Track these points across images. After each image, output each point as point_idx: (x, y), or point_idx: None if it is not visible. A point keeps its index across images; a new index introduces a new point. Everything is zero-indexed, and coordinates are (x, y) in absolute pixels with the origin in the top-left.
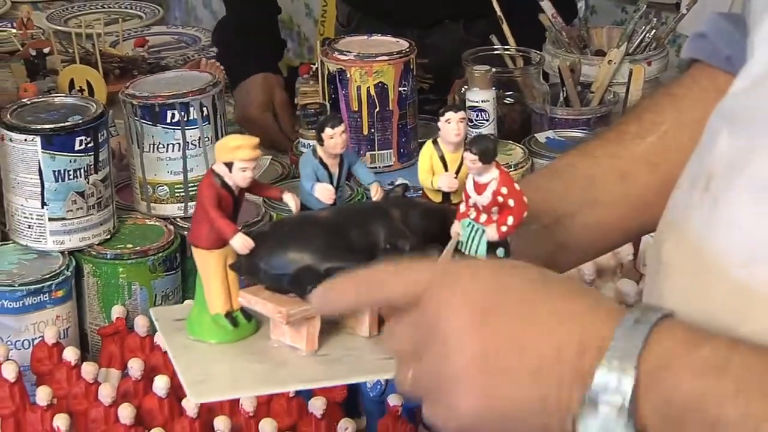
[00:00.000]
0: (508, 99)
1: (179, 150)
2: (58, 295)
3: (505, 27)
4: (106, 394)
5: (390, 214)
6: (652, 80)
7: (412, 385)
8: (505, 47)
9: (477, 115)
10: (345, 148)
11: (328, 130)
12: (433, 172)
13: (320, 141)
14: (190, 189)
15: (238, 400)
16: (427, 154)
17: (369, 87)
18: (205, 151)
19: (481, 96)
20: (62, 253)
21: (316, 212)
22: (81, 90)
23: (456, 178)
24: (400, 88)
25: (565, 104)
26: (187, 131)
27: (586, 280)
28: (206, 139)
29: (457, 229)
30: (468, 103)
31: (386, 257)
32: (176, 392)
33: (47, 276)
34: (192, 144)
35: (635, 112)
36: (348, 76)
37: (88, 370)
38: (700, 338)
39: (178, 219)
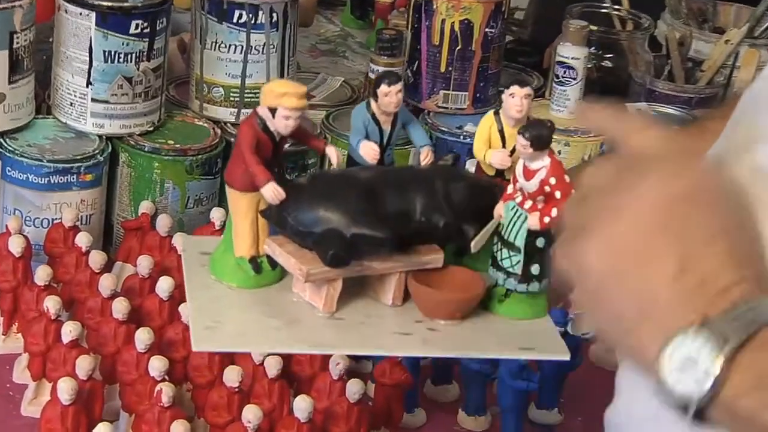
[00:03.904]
0: (608, 62)
1: (241, 53)
2: (87, 178)
3: None
4: (105, 285)
5: (433, 184)
6: None
7: (571, 215)
8: (615, 7)
9: (564, 72)
10: (399, 108)
11: (383, 87)
12: (489, 144)
13: (375, 96)
14: (246, 95)
15: None
16: (486, 124)
17: (454, 22)
18: (268, 58)
19: (572, 52)
20: (100, 136)
21: (359, 170)
22: None
23: (511, 156)
24: (486, 29)
25: (669, 79)
26: (252, 34)
27: None
28: (271, 46)
29: (501, 210)
30: (557, 58)
31: (419, 229)
32: (183, 296)
33: (78, 157)
34: (255, 49)
35: (724, 109)
36: (434, 6)
37: (95, 259)
38: None
39: (228, 124)
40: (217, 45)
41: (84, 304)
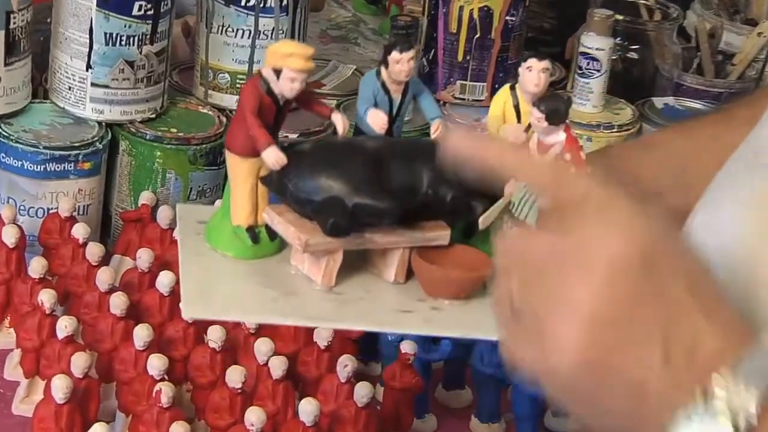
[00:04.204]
0: (634, 53)
1: (249, 37)
2: (85, 167)
3: None
4: (103, 279)
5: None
6: None
7: (510, 304)
8: None
9: (588, 64)
10: (410, 76)
11: (394, 54)
12: (504, 120)
13: (385, 64)
14: None
15: None
16: (501, 99)
17: (473, 9)
18: None
19: (596, 43)
20: (99, 123)
21: (365, 139)
22: None
23: (526, 132)
24: (507, 17)
25: (698, 72)
26: (261, 19)
27: None
28: (280, 31)
29: (511, 188)
30: (581, 48)
31: (425, 203)
32: None
33: (76, 144)
34: (264, 34)
35: (753, 96)
36: None
37: (92, 251)
38: None
39: (234, 112)
40: (224, 29)
41: (80, 299)
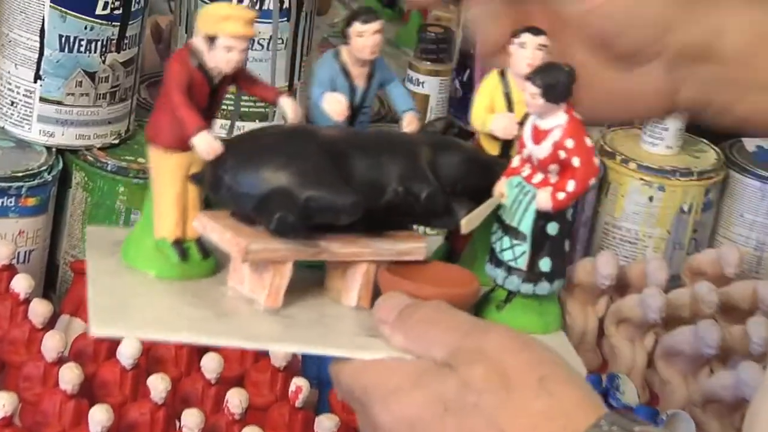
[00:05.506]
0: None
1: None
2: (29, 203)
3: None
4: (51, 346)
5: (417, 151)
6: None
7: None
8: None
9: None
10: (375, 54)
11: (357, 26)
12: (492, 111)
13: (346, 38)
14: (243, 103)
15: (223, 395)
16: (488, 87)
17: None
18: (274, 57)
19: None
20: (48, 149)
21: (320, 127)
22: None
23: (521, 125)
24: None
25: None
26: (256, 25)
27: None
28: (279, 41)
29: (502, 188)
30: None
31: (394, 202)
32: (151, 366)
33: (19, 174)
34: (259, 43)
35: None
36: None
37: (36, 310)
38: None
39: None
40: None
41: (20, 370)
